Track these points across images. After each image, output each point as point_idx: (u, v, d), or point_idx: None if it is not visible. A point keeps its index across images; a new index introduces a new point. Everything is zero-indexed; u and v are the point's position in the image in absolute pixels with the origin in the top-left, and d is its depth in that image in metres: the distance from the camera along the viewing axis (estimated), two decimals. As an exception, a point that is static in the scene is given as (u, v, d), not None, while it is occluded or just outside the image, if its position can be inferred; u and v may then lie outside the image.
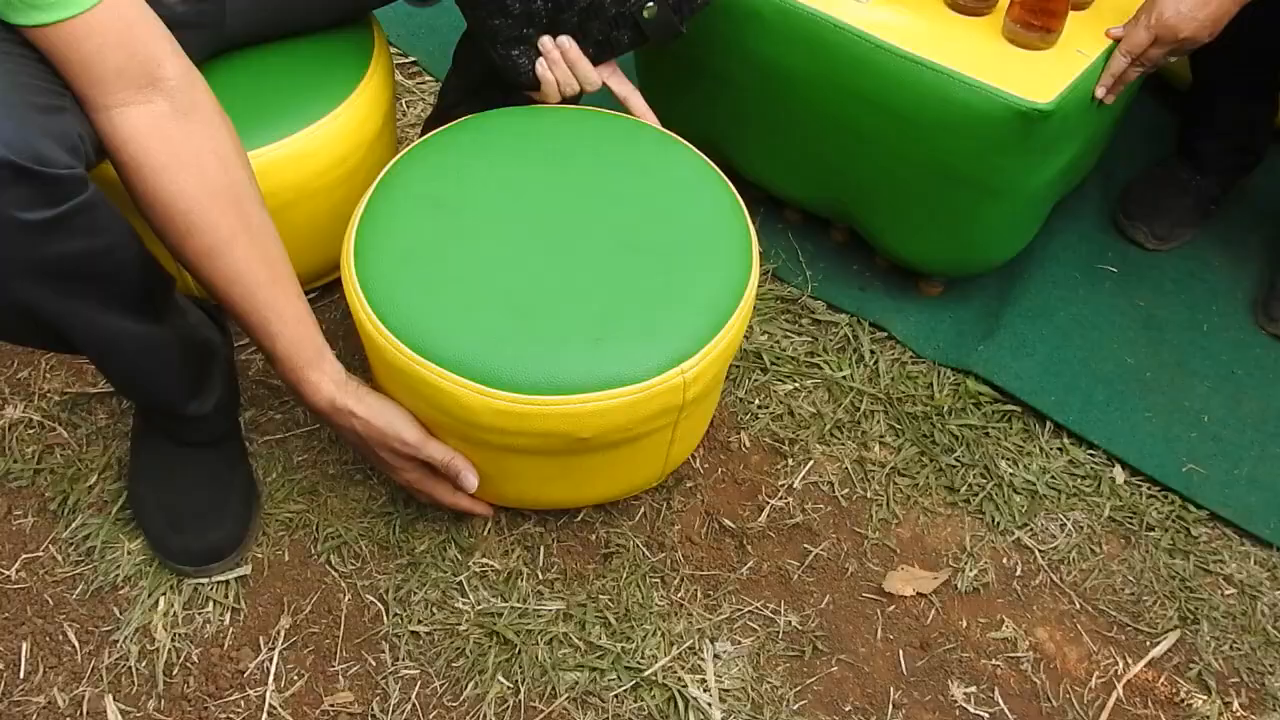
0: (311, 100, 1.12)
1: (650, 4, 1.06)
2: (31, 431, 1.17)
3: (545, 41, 1.07)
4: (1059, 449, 1.23)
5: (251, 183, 0.90)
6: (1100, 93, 1.13)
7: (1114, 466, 1.21)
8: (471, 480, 1.01)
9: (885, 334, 1.33)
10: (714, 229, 1.01)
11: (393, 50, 1.63)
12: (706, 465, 1.19)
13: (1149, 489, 1.20)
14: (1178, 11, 1.07)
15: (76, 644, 1.02)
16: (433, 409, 0.96)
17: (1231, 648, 1.08)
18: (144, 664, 1.01)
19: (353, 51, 1.18)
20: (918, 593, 1.10)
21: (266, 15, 1.11)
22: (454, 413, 0.93)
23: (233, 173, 0.88)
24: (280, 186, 1.09)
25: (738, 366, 1.28)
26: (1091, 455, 1.22)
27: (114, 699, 0.99)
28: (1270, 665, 1.06)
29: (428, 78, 1.63)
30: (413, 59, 1.65)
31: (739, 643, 1.06)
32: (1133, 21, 1.12)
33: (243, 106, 1.05)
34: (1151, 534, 1.16)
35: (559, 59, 1.08)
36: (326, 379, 0.96)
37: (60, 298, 0.82)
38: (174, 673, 1.01)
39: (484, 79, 1.23)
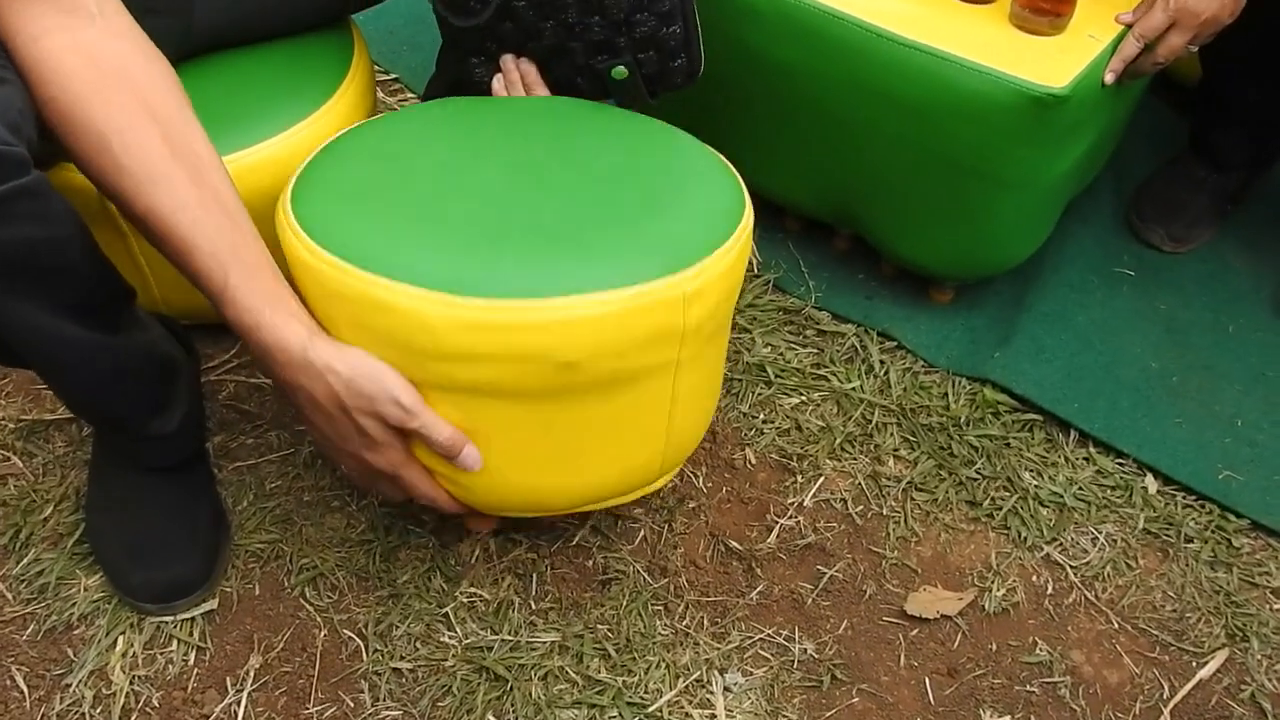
0: (287, 104, 1.05)
1: (621, 67, 1.00)
2: (-16, 462, 1.09)
3: (507, 60, 1.03)
4: (1085, 458, 1.15)
5: (195, 122, 0.80)
6: (1109, 78, 1.08)
7: (1145, 475, 1.14)
8: (475, 456, 0.84)
9: (895, 343, 1.26)
10: (698, 172, 0.90)
11: (375, 68, 1.58)
12: (710, 484, 1.11)
13: (1184, 498, 1.12)
14: None
15: (25, 690, 0.93)
16: (385, 343, 0.79)
17: (1285, 667, 1.00)
18: (99, 710, 0.92)
19: (331, 55, 1.12)
20: (942, 615, 1.02)
21: (238, 9, 1.04)
22: (412, 340, 0.78)
23: (170, 101, 0.79)
24: (253, 194, 1.01)
25: (740, 380, 1.20)
26: (1120, 464, 1.15)
27: (65, 750, 0.90)
28: (1328, 685, 0.98)
29: (410, 94, 1.58)
30: (394, 75, 1.60)
31: (750, 674, 0.97)
32: (1147, 4, 1.07)
33: (214, 109, 0.98)
34: (1190, 546, 1.08)
35: (517, 80, 1.04)
36: (294, 320, 0.78)
37: (1, 294, 0.74)
38: (132, 719, 0.92)
39: (458, 82, 1.19)
